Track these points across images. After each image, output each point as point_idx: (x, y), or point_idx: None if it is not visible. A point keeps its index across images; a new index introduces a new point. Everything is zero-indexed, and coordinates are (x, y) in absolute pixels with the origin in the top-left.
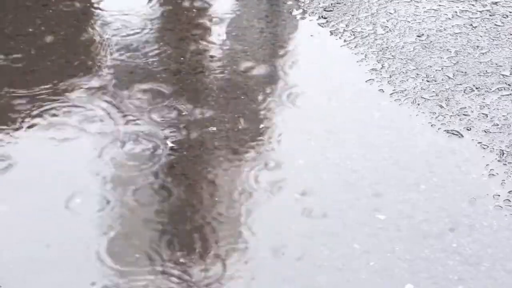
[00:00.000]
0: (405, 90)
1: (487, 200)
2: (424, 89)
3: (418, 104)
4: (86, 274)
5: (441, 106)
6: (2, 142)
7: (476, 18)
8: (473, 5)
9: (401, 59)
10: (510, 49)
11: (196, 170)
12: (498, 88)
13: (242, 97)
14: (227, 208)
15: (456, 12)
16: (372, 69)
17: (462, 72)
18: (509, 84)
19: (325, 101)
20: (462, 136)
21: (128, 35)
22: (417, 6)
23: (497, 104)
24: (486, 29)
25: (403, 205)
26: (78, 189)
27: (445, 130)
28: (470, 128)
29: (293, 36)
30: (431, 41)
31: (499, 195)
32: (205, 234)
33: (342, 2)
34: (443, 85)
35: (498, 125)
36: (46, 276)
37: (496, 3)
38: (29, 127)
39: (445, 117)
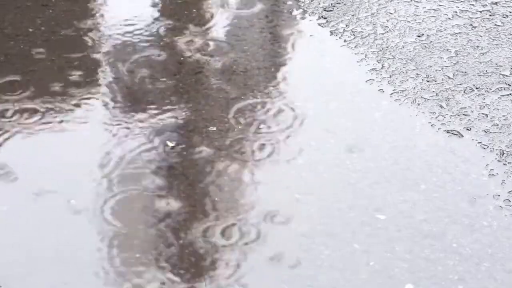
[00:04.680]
0: (405, 90)
1: (487, 200)
2: (424, 89)
3: (418, 104)
4: (86, 274)
5: (441, 106)
6: (4, 141)
7: (476, 18)
8: (473, 5)
9: (401, 59)
10: (510, 49)
11: (196, 170)
12: (498, 88)
13: (242, 97)
14: (227, 209)
15: (456, 12)
16: (372, 69)
17: (462, 72)
18: (509, 84)
19: (325, 101)
20: (462, 136)
21: (128, 35)
22: (417, 6)
23: (497, 104)
24: (486, 29)
25: (403, 205)
26: (78, 189)
27: (445, 130)
28: (470, 128)
29: (293, 36)
30: (431, 41)
31: (499, 195)
32: (205, 235)
33: (342, 2)
34: (443, 85)
35: (498, 125)
36: (46, 276)
37: (496, 3)
38: (30, 126)
39: (445, 117)
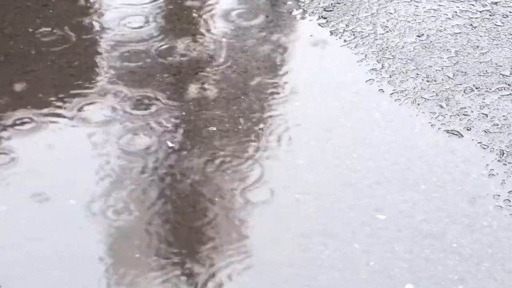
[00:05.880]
0: (405, 90)
1: (487, 200)
2: (424, 89)
3: (418, 104)
4: (85, 274)
5: (441, 106)
6: (5, 141)
7: (476, 18)
8: (473, 5)
9: (401, 59)
10: (510, 49)
11: (196, 170)
12: (498, 88)
13: (242, 97)
14: (227, 209)
15: (456, 12)
16: (372, 69)
17: (462, 72)
18: (509, 84)
19: (325, 101)
20: (462, 136)
21: (128, 35)
22: (417, 6)
23: (497, 104)
24: (486, 29)
25: (403, 205)
26: (78, 189)
27: (445, 130)
28: (470, 128)
29: (293, 36)
30: (431, 41)
31: (499, 195)
32: (205, 235)
33: (342, 2)
34: (443, 85)
35: (498, 125)
36: (46, 276)
37: (496, 3)
38: (29, 126)
39: (445, 117)
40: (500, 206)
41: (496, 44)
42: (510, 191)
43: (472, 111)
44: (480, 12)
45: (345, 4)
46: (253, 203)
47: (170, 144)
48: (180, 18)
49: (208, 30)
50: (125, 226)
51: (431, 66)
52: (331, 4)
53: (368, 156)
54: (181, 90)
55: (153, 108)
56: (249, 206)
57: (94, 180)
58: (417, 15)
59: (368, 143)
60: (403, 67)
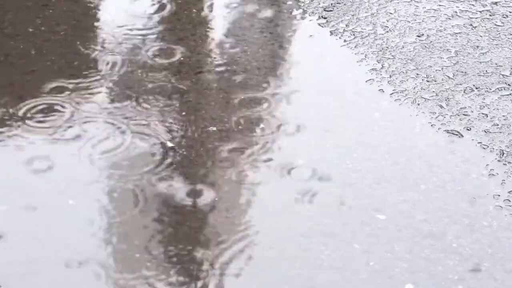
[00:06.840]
0: (405, 90)
1: (487, 200)
2: (424, 89)
3: (418, 104)
4: (86, 274)
5: (441, 106)
6: (4, 142)
7: (476, 18)
8: (473, 5)
9: (401, 59)
10: (510, 49)
11: (196, 170)
12: (498, 88)
13: (242, 97)
14: (227, 208)
15: (456, 12)
16: (372, 69)
17: (462, 72)
18: (509, 84)
19: (325, 101)
20: (462, 136)
21: (128, 35)
22: (417, 6)
23: (497, 104)
24: (486, 29)
25: (403, 205)
26: (76, 188)
27: (445, 130)
28: (470, 128)
29: (293, 36)
30: (431, 41)
31: (499, 195)
32: (205, 234)
33: (342, 2)
34: (443, 85)
35: (498, 125)
36: (46, 276)
37: (496, 3)
38: (30, 126)
39: (445, 117)
40: (500, 206)
41: (496, 44)
42: (510, 191)
43: (472, 111)
44: (480, 12)
45: (345, 4)
46: (253, 204)
47: (170, 144)
48: (180, 18)
49: (208, 30)
50: (125, 226)
51: (431, 66)
52: (331, 4)
53: (368, 156)
54: (181, 90)
55: (153, 108)
56: (248, 207)
57: (96, 179)
58: (417, 15)
59: (368, 143)
60: (403, 67)
